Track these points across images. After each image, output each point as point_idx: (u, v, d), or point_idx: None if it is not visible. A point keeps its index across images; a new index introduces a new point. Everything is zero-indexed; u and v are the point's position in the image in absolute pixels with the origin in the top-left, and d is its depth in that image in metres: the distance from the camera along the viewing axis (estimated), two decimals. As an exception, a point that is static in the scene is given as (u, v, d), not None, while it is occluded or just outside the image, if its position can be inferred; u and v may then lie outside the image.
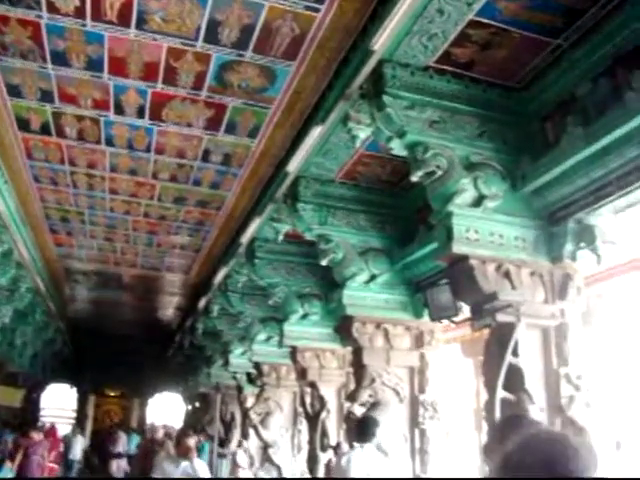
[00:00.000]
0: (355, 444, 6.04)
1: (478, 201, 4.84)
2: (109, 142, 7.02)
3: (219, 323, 12.54)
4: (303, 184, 6.74)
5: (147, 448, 11.66)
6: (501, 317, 4.72)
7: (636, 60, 3.97)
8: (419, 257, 6.69)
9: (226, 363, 13.04)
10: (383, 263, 7.07)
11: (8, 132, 6.87)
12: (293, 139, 6.14)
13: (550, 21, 4.34)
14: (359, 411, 6.78)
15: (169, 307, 16.96)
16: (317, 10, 4.57)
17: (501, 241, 4.88)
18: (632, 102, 3.87)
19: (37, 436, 12.75)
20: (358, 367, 7.04)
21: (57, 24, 4.95)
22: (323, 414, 9.09)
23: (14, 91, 6.02)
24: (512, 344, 4.68)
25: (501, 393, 4.64)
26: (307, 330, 8.95)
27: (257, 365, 11.29)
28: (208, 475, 7.01)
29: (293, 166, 6.35)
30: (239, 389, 13.78)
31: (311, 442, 9.26)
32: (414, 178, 4.94)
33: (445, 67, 4.80)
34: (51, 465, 14.04)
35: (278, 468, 11.04)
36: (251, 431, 11.84)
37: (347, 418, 7.30)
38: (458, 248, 4.74)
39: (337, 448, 8.29)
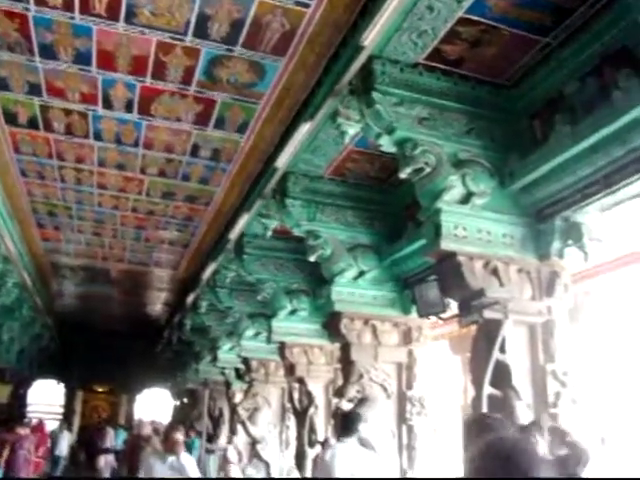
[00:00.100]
0: (339, 439, 6.07)
1: (466, 198, 4.85)
2: (97, 136, 6.99)
3: (207, 319, 12.54)
4: (292, 180, 6.73)
5: (134, 444, 11.62)
6: (488, 314, 4.74)
7: (623, 59, 3.99)
8: (407, 253, 6.70)
9: (214, 359, 13.04)
10: (371, 259, 7.08)
11: (-5, 126, 6.83)
12: (282, 135, 6.14)
13: (539, 19, 4.36)
14: (347, 407, 6.79)
15: (157, 302, 16.92)
16: (307, 5, 4.57)
17: (489, 238, 4.90)
18: (619, 101, 3.90)
19: (23, 431, 12.68)
20: (346, 363, 7.06)
21: (45, 16, 4.91)
22: (311, 410, 9.10)
23: (1, 84, 5.98)
24: (499, 340, 4.71)
25: (488, 389, 4.67)
26: (295, 326, 8.96)
27: (245, 361, 11.29)
28: (195, 470, 6.94)
29: (282, 162, 6.34)
30: (227, 385, 13.78)
31: (299, 438, 9.28)
32: (403, 175, 4.95)
33: (435, 64, 4.81)
34: (37, 460, 13.97)
35: (266, 464, 11.04)
36: (239, 427, 11.83)
37: (335, 414, 7.31)
38: (446, 245, 4.75)
39: (325, 444, 8.28)
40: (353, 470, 5.70)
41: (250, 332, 10.54)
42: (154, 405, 25.25)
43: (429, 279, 6.35)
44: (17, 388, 21.39)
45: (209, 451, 13.71)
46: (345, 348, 7.09)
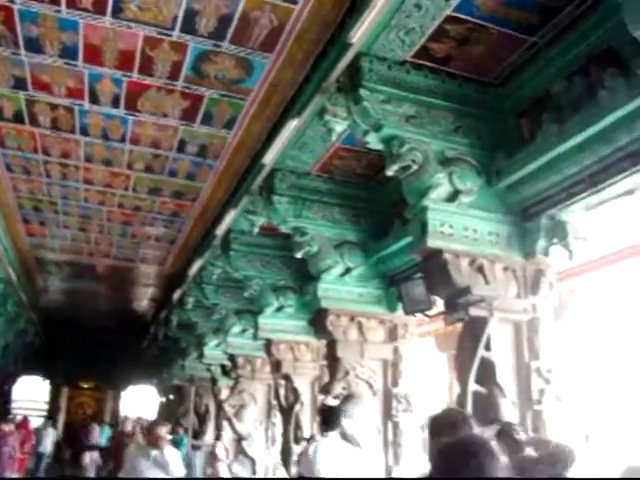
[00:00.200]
0: (322, 434, 6.11)
1: (453, 196, 4.87)
2: (83, 131, 6.94)
3: (194, 315, 12.51)
4: (279, 177, 6.73)
5: (119, 441, 11.58)
6: (474, 311, 4.77)
7: (609, 59, 4.02)
8: (394, 251, 6.72)
9: (201, 355, 13.01)
10: (358, 256, 7.09)
11: (-20, 119, 6.76)
12: (269, 131, 6.12)
13: (527, 18, 4.38)
14: (333, 404, 6.80)
15: (143, 299, 16.86)
16: (295, 2, 4.56)
17: (475, 236, 4.92)
18: (605, 101, 3.93)
19: (7, 428, 12.62)
20: (332, 360, 7.06)
21: (30, 9, 4.87)
22: (297, 407, 9.11)
23: (-14, 78, 5.93)
24: (485, 338, 4.73)
25: (473, 386, 4.69)
26: (282, 323, 8.97)
27: (232, 357, 11.28)
28: (179, 464, 6.86)
29: (269, 158, 6.33)
30: (213, 381, 13.75)
31: (285, 435, 9.28)
32: (389, 172, 4.96)
33: (422, 62, 4.82)
34: (22, 456, 13.90)
35: (252, 460, 11.04)
36: (225, 423, 11.82)
37: (319, 410, 7.32)
38: (432, 242, 4.77)
39: (310, 440, 8.30)
40: (335, 464, 5.75)
41: (236, 329, 10.54)
42: (140, 401, 25.16)
43: (415, 276, 6.37)
44: (1, 384, 21.24)
45: (195, 447, 13.68)
46: (331, 345, 7.10)
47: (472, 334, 4.82)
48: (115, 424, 20.28)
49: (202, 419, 15.22)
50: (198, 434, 14.54)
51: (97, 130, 6.89)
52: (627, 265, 6.00)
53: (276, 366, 9.25)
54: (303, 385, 9.21)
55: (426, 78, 4.89)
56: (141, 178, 8.21)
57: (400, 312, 6.97)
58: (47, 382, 25.07)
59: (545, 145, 4.46)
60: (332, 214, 7.03)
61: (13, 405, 23.26)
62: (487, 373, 4.71)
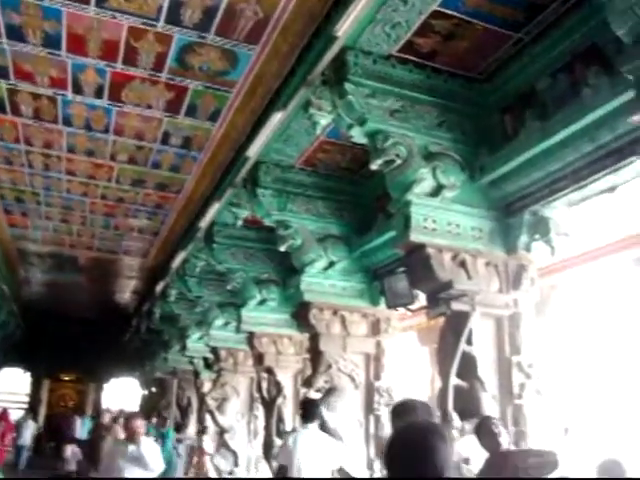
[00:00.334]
0: (302, 425, 6.17)
1: (436, 191, 4.89)
2: (66, 122, 6.88)
3: (176, 307, 12.47)
4: (263, 169, 6.72)
5: (98, 434, 11.50)
6: (456, 306, 4.80)
7: (593, 57, 4.05)
8: (377, 245, 6.74)
9: (183, 348, 12.97)
10: (341, 250, 7.10)
11: (-40, 108, 6.67)
12: (254, 124, 6.09)
13: (512, 14, 4.39)
14: (315, 397, 6.82)
15: (126, 291, 16.77)
16: (281, -6, 4.54)
17: (458, 231, 4.94)
18: (588, 98, 3.96)
19: (-13, 420, 12.54)
20: (315, 353, 7.08)
21: (13, -3, 4.81)
22: (279, 400, 9.11)
23: (-33, 66, 5.85)
24: (466, 332, 4.77)
25: (454, 380, 4.73)
26: (265, 316, 8.96)
27: (214, 350, 11.27)
28: (155, 458, 6.69)
29: (253, 151, 6.31)
30: (196, 374, 13.72)
31: (267, 428, 9.28)
32: (374, 166, 4.96)
33: (407, 56, 4.82)
34: (1, 448, 13.80)
35: (234, 454, 11.04)
36: (207, 416, 11.81)
37: (300, 403, 7.35)
38: (415, 237, 4.79)
39: (291, 432, 8.32)
40: (314, 454, 5.83)
41: (219, 321, 10.53)
42: (122, 394, 25.06)
43: (398, 271, 6.39)
44: (-19, 376, 21.06)
45: (177, 440, 13.66)
46: (314, 338, 7.11)
47: (454, 328, 4.85)
48: (97, 416, 20.20)
49: (184, 412, 15.20)
50: (180, 427, 14.51)
51: (80, 121, 6.83)
52: (609, 261, 6.06)
53: (259, 359, 9.25)
54: (286, 378, 9.22)
55: (411, 73, 4.89)
56: (124, 169, 8.16)
57: (383, 306, 6.99)
58: (28, 374, 24.89)
59: (528, 141, 4.49)
60: (316, 208, 7.03)
61: (-7, 397, 23.08)
62: (468, 367, 4.74)
